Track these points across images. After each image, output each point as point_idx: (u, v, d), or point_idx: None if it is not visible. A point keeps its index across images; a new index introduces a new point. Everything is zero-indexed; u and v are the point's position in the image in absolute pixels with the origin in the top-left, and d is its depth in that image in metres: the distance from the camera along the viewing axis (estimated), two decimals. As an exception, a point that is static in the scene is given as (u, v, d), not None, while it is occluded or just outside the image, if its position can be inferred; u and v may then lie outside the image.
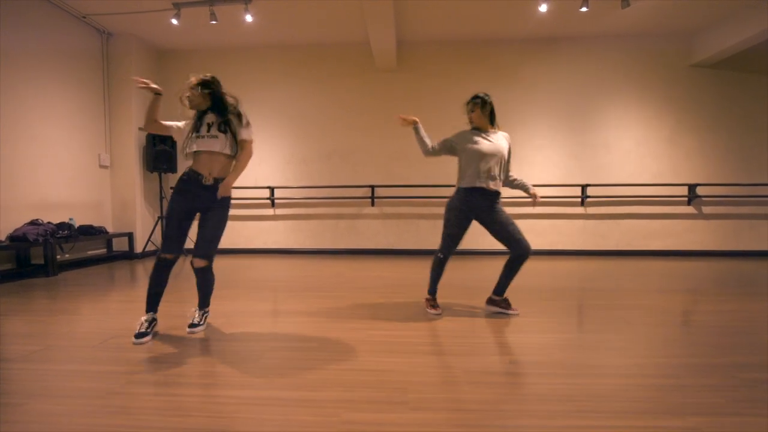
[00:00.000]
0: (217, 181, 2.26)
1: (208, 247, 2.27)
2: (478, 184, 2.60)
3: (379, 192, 5.77)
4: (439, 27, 5.22)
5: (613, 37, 5.53)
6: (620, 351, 2.01)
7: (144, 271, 4.61)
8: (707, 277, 4.01)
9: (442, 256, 2.73)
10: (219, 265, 4.79)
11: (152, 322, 2.28)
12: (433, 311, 2.69)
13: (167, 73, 5.90)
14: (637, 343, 2.12)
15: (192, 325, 2.35)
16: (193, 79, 2.35)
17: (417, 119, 2.81)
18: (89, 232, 4.71)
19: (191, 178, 2.26)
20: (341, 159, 5.79)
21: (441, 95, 5.69)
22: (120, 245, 5.44)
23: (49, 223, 4.28)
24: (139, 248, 5.48)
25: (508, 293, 2.79)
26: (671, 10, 4.84)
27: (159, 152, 5.45)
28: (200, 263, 2.29)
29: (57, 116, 4.66)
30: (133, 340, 2.14)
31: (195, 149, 2.28)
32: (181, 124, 2.41)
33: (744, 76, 5.47)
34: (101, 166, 5.29)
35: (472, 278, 3.94)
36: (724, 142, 5.53)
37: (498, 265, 2.86)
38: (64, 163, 4.75)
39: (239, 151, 2.32)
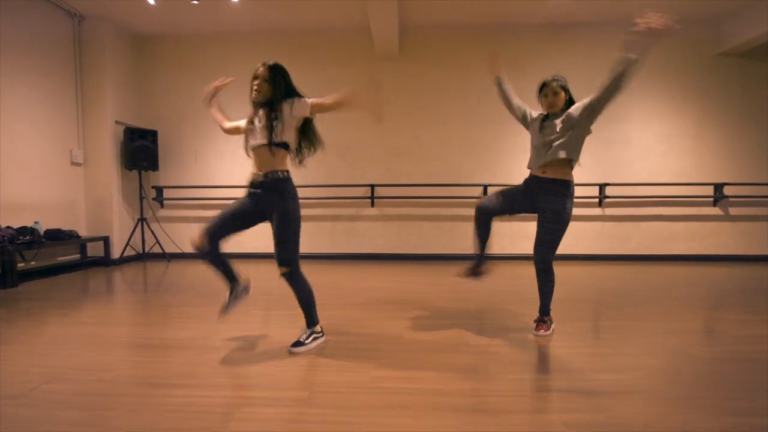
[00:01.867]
0: (269, 176, 2.04)
1: (281, 251, 2.05)
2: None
3: (379, 191, 5.31)
4: (445, 11, 4.74)
5: (632, 24, 5.05)
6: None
7: (122, 279, 4.14)
8: (735, 287, 3.57)
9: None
10: (204, 272, 4.33)
11: (233, 291, 2.19)
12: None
13: (147, 61, 5.40)
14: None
15: (295, 344, 2.12)
16: (261, 69, 2.17)
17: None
18: (57, 237, 4.24)
19: (251, 180, 2.11)
20: (338, 156, 5.31)
21: (447, 86, 5.22)
22: (96, 250, 4.96)
23: (8, 227, 3.81)
24: (116, 253, 5.00)
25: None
26: (701, -8, 4.39)
27: (138, 148, 4.97)
28: (280, 270, 2.08)
29: (22, 108, 4.17)
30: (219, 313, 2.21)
31: (249, 146, 2.12)
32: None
33: (776, 66, 5.04)
34: (73, 164, 4.80)
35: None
36: (754, 138, 5.09)
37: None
38: (30, 160, 4.26)
39: (323, 108, 2.16)
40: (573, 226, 5.25)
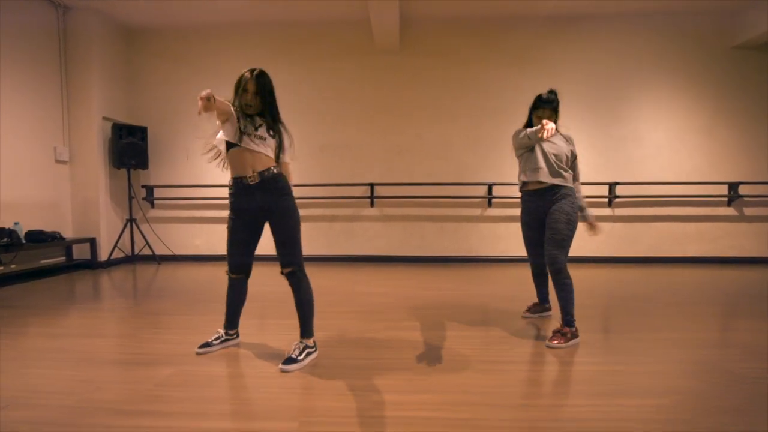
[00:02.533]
0: (264, 174, 1.92)
1: (286, 252, 1.97)
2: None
3: (379, 191, 5.08)
4: (447, 3, 4.51)
5: (644, 16, 4.85)
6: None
7: (110, 283, 3.92)
8: (759, 292, 3.37)
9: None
10: (195, 275, 4.11)
11: (220, 337, 2.16)
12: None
13: (136, 55, 5.17)
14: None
15: (287, 360, 1.91)
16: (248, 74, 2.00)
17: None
18: (39, 238, 4.01)
19: (237, 187, 1.97)
20: (336, 153, 5.09)
21: (449, 81, 5.00)
22: (82, 252, 4.73)
23: (-16, 229, 3.58)
24: (104, 255, 4.78)
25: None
26: (718, -19, 4.18)
27: (126, 145, 4.74)
28: (285, 270, 1.99)
29: (3, 102, 3.95)
30: (196, 349, 2.08)
31: (239, 144, 1.92)
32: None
33: (793, 60, 4.82)
34: (58, 161, 4.57)
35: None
36: (771, 135, 4.89)
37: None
38: (11, 157, 4.03)
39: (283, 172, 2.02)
40: (581, 227, 5.04)
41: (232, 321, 2.19)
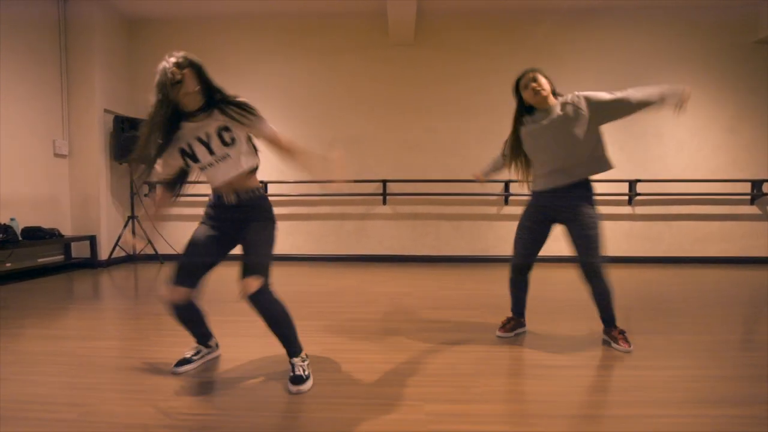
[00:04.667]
0: (243, 196, 1.63)
1: (257, 254, 1.60)
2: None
3: (392, 188, 4.90)
4: (465, -8, 4.35)
5: (664, 9, 4.70)
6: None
7: (110, 283, 3.71)
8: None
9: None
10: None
11: (200, 351, 1.84)
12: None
13: (140, 46, 4.98)
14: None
15: (296, 379, 1.58)
16: (173, 59, 1.46)
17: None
18: (36, 235, 3.80)
19: (215, 200, 1.69)
20: (347, 149, 4.89)
21: (465, 74, 4.83)
22: (81, 251, 4.52)
23: (-21, 224, 3.37)
24: (104, 254, 4.56)
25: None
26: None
27: (129, 139, 4.52)
28: (251, 284, 1.52)
29: (1, 94, 3.75)
30: (172, 368, 1.74)
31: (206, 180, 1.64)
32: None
33: (818, 55, 4.68)
34: (57, 155, 4.37)
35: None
36: (795, 132, 4.74)
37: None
38: (9, 151, 3.83)
39: (279, 150, 1.65)
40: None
41: (204, 335, 1.86)
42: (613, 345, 2.00)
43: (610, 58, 4.78)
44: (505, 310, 2.39)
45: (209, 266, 1.68)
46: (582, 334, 2.22)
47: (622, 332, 2.02)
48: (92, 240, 4.45)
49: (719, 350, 1.98)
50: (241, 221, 1.66)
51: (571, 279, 3.61)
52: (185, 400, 1.49)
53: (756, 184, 4.73)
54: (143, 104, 4.95)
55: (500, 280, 3.75)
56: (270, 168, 4.86)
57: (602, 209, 4.84)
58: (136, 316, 2.62)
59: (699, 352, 1.95)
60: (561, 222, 2.03)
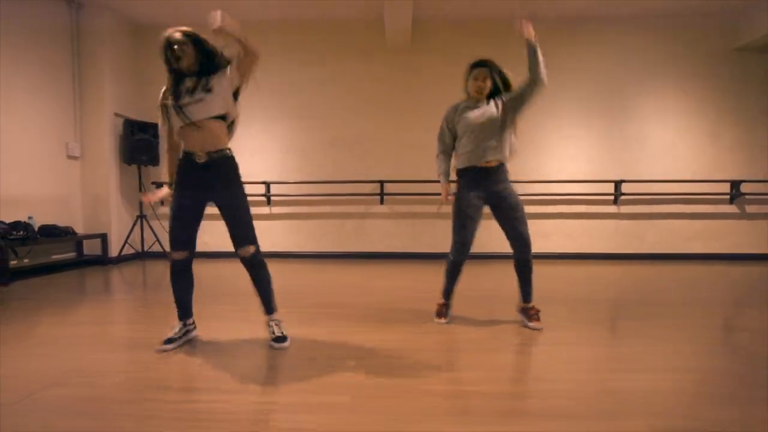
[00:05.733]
0: (213, 155, 1.88)
1: (245, 228, 1.94)
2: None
3: (389, 188, 5.13)
4: (459, 2, 4.59)
5: (649, 18, 4.96)
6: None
7: (121, 278, 3.92)
8: (757, 287, 3.44)
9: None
10: (205, 271, 4.12)
11: (184, 329, 2.04)
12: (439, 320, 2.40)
13: (148, 52, 5.17)
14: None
15: (276, 339, 1.98)
16: (178, 35, 1.89)
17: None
18: (53, 233, 4.00)
19: (185, 162, 1.92)
20: (346, 150, 5.13)
21: (458, 79, 5.03)
22: (92, 248, 4.72)
23: (0, 222, 3.57)
24: (114, 251, 4.77)
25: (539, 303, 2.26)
26: (722, -16, 4.29)
27: (138, 142, 4.75)
28: (246, 251, 1.94)
29: (16, 99, 3.96)
30: (158, 346, 1.95)
31: (180, 125, 1.87)
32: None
33: (794, 62, 4.95)
34: (69, 157, 4.57)
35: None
36: (772, 135, 5.00)
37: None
38: (25, 153, 4.03)
39: (241, 63, 1.88)
40: (588, 224, 5.13)
41: (186, 309, 2.08)
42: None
43: (597, 64, 5.03)
44: (490, 300, 2.60)
45: (194, 231, 1.97)
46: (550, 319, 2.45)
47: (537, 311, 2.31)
48: (103, 238, 4.65)
49: (699, 333, 2.22)
50: (212, 183, 1.90)
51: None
52: (217, 370, 1.70)
53: (735, 185, 4.98)
54: (150, 108, 5.19)
55: (491, 275, 3.98)
56: (272, 168, 5.10)
57: (589, 208, 5.09)
58: (146, 305, 2.83)
59: (659, 335, 2.19)
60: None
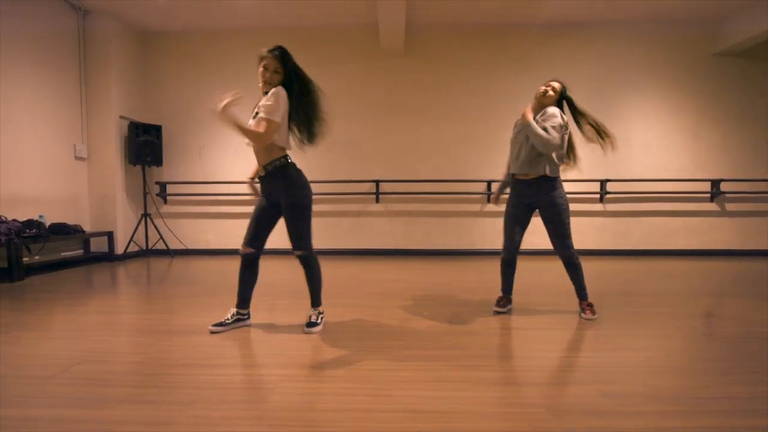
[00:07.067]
0: (268, 168, 2.11)
1: (294, 240, 2.17)
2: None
3: (384, 187, 5.34)
4: (450, 9, 4.80)
5: (632, 23, 5.18)
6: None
7: (127, 274, 4.11)
8: (740, 279, 3.67)
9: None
10: (207, 267, 4.31)
11: (236, 316, 2.25)
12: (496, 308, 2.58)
13: (152, 56, 5.38)
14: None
15: (309, 324, 2.22)
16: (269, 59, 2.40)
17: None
18: (62, 230, 4.19)
19: (259, 176, 2.21)
20: (343, 151, 5.34)
21: (451, 83, 5.28)
22: (99, 245, 4.91)
23: (14, 220, 3.76)
24: (120, 249, 4.96)
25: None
26: (699, -7, 4.51)
27: (143, 143, 4.94)
28: (297, 253, 2.20)
29: (26, 102, 4.13)
30: (210, 327, 2.17)
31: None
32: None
33: (770, 66, 5.18)
34: (77, 158, 4.76)
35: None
36: (750, 136, 5.23)
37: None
38: (35, 154, 4.22)
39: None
40: (575, 222, 5.32)
41: (244, 300, 2.26)
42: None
43: (584, 67, 5.24)
44: (474, 293, 2.81)
45: (265, 232, 2.22)
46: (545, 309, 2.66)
47: (590, 305, 2.47)
48: (109, 236, 4.84)
49: (678, 323, 2.43)
50: (273, 192, 2.15)
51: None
52: (230, 349, 1.91)
53: (715, 183, 5.21)
54: (155, 110, 5.38)
55: (479, 270, 4.20)
56: (272, 169, 5.28)
57: (575, 206, 5.31)
58: (154, 298, 3.02)
59: (633, 322, 2.40)
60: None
